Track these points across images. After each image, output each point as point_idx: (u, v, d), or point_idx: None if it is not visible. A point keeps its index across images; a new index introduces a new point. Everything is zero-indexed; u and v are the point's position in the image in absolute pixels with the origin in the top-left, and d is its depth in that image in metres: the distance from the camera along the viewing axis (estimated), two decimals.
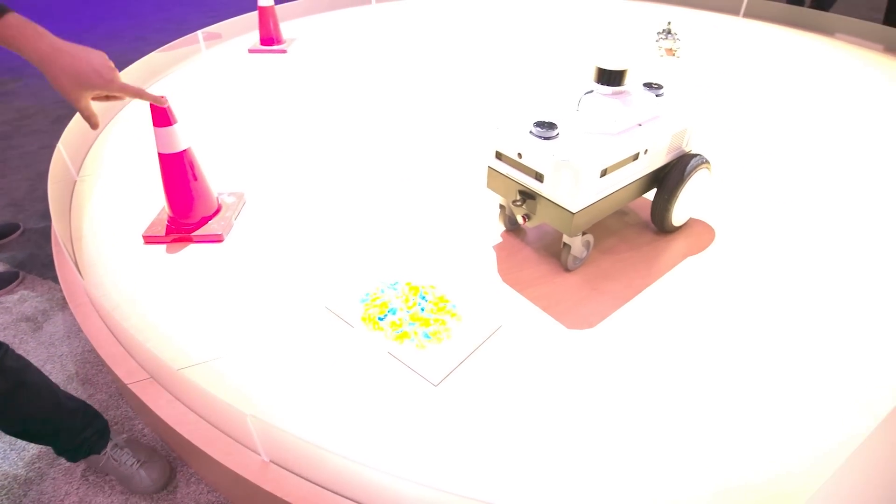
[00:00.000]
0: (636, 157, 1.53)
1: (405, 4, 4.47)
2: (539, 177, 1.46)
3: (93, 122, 0.94)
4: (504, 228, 1.82)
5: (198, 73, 3.15)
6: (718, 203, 1.98)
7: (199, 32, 3.46)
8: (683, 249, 1.75)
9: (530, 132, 1.47)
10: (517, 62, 3.34)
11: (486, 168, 1.63)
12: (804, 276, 1.64)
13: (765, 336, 1.44)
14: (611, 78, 1.49)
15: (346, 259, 1.71)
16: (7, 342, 1.50)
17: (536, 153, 1.43)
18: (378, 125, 2.58)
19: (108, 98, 1.00)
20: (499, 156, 1.56)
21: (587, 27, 4.01)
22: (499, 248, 1.75)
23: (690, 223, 1.86)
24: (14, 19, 0.82)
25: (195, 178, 1.78)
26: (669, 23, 3.50)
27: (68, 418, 1.20)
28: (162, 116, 1.64)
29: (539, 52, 3.50)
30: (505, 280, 1.62)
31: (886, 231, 1.85)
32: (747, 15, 4.21)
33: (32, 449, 1.40)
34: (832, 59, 3.43)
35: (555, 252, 1.72)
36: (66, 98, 0.90)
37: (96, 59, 0.90)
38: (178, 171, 1.73)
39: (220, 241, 1.81)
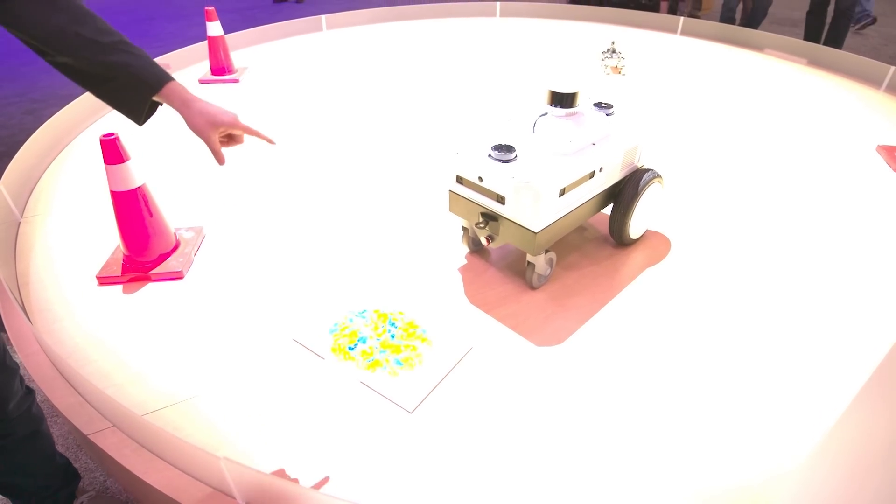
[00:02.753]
0: (592, 175, 1.59)
1: (356, 31, 4.51)
2: (500, 199, 1.49)
3: (220, 159, 1.13)
4: (468, 250, 1.84)
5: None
6: (671, 214, 2.06)
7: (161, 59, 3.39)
8: (642, 261, 1.81)
9: (489, 155, 1.50)
10: (468, 85, 3.41)
11: (448, 192, 1.65)
12: (757, 279, 1.73)
13: (727, 340, 1.50)
14: (563, 100, 1.55)
15: (311, 290, 1.70)
16: None
17: (496, 176, 1.47)
18: (335, 153, 2.57)
19: (230, 139, 1.20)
20: (459, 180, 1.58)
21: (535, 48, 4.13)
22: (464, 270, 1.77)
23: (647, 235, 1.93)
24: (175, 84, 1.04)
25: (151, 215, 1.73)
26: (613, 42, 3.65)
27: (53, 475, 1.19)
28: (113, 153, 1.60)
29: (490, 74, 3.58)
30: (472, 301, 1.64)
31: (827, 227, 1.97)
32: (684, 33, 4.43)
33: None
34: (763, 72, 3.65)
35: (519, 271, 1.76)
36: (201, 136, 1.08)
37: (220, 107, 1.10)
38: (132, 209, 1.69)
39: (180, 278, 1.76)
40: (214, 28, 3.35)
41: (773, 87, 3.41)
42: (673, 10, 5.90)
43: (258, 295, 1.68)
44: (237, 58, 3.73)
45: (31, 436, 1.13)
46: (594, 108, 1.75)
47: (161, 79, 0.99)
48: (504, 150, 1.48)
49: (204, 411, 1.31)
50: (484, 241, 1.63)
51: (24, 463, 1.14)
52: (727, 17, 4.90)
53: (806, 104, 3.14)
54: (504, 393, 1.35)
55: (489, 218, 1.56)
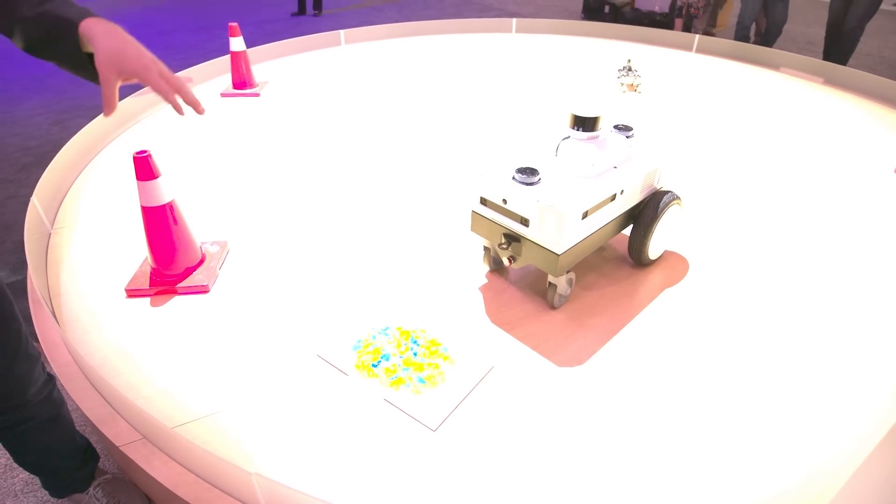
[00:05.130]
0: (613, 197, 1.61)
1: (374, 45, 4.58)
2: (524, 221, 1.52)
3: (107, 108, 0.92)
4: (488, 269, 1.86)
5: (171, 119, 3.14)
6: (689, 235, 2.07)
7: (182, 74, 3.46)
8: (661, 281, 1.82)
9: (513, 178, 1.53)
10: (485, 101, 3.45)
11: (470, 212, 1.68)
12: (776, 299, 1.74)
13: (748, 359, 1.51)
14: (585, 124, 1.58)
15: (335, 305, 1.73)
16: None
17: (521, 199, 1.49)
18: (356, 168, 2.62)
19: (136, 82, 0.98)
20: (483, 201, 1.61)
21: (550, 64, 4.17)
22: (484, 289, 1.79)
23: (665, 255, 1.95)
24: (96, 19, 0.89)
25: (178, 230, 1.77)
26: (629, 60, 3.68)
27: (73, 455, 1.24)
28: (145, 170, 1.65)
29: (506, 90, 3.62)
30: (493, 320, 1.66)
31: (845, 248, 1.97)
32: (699, 50, 4.46)
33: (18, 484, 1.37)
34: (779, 91, 3.66)
35: (538, 290, 1.78)
36: (100, 73, 0.89)
37: (142, 48, 0.91)
38: (161, 224, 1.73)
39: (205, 291, 1.80)
40: (237, 43, 3.42)
41: (789, 106, 3.42)
42: (687, 27, 5.93)
43: (282, 310, 1.72)
44: (258, 71, 3.80)
45: (53, 419, 1.19)
46: (614, 130, 1.77)
47: (79, 14, 0.87)
48: (528, 173, 1.51)
49: (228, 426, 1.34)
50: (506, 262, 1.66)
51: (47, 444, 1.21)
52: (742, 35, 4.92)
53: (823, 124, 3.15)
54: (526, 412, 1.36)
55: (512, 239, 1.59)
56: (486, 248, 1.81)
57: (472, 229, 1.71)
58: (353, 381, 1.44)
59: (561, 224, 1.45)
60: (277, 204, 2.30)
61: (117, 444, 1.30)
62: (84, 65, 0.91)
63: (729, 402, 1.40)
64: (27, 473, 1.44)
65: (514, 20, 4.93)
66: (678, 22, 5.96)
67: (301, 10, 7.16)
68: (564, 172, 1.55)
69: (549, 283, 1.64)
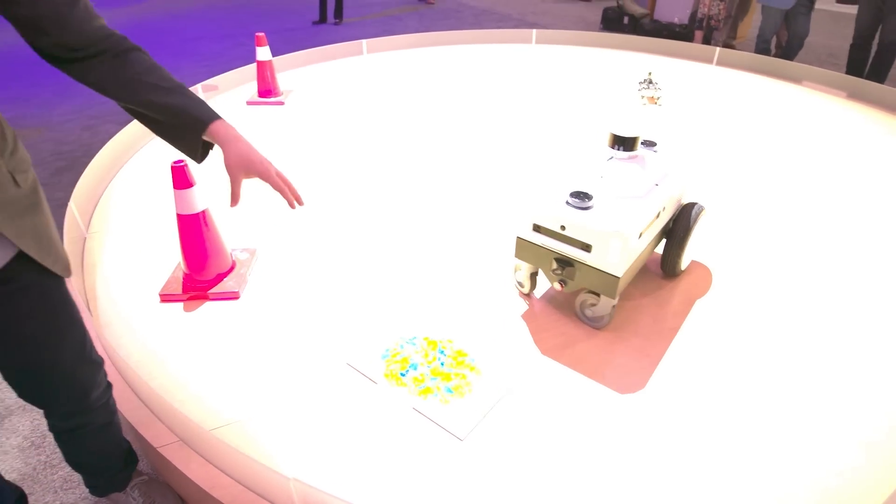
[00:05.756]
0: (658, 215, 1.64)
1: (395, 55, 4.64)
2: (586, 247, 1.53)
3: (234, 201, 1.11)
4: (522, 289, 1.85)
5: None
6: (711, 244, 2.08)
7: (199, 85, 3.54)
8: (691, 291, 1.85)
9: (568, 203, 1.54)
10: (506, 111, 3.48)
11: (515, 239, 1.69)
12: (801, 305, 1.74)
13: (781, 366, 1.52)
14: (626, 143, 1.60)
15: (363, 314, 1.76)
16: (18, 404, 1.57)
17: (580, 225, 1.51)
18: (383, 177, 2.66)
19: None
20: (537, 228, 1.61)
21: (570, 75, 4.20)
22: (512, 301, 1.82)
23: (689, 265, 1.97)
24: (223, 122, 1.07)
25: (211, 237, 1.82)
26: (650, 73, 3.70)
27: (118, 457, 1.30)
28: (182, 179, 1.70)
29: (527, 100, 3.65)
30: (520, 332, 1.68)
31: (869, 257, 1.97)
32: (720, 63, 4.46)
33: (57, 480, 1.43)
34: (801, 105, 3.65)
35: (563, 304, 1.80)
36: (229, 174, 1.08)
37: (261, 155, 1.10)
38: (195, 231, 1.78)
39: (236, 297, 1.84)
40: (264, 53, 3.50)
41: (811, 120, 3.41)
42: (707, 39, 5.92)
43: (311, 317, 1.75)
44: (282, 80, 3.87)
45: (108, 424, 1.24)
46: (642, 146, 1.79)
47: (210, 116, 1.06)
48: (582, 198, 1.53)
49: (260, 431, 1.37)
50: (557, 286, 1.67)
51: (99, 447, 1.26)
52: (762, 48, 4.91)
53: (846, 139, 3.14)
54: (553, 424, 1.38)
55: (564, 264, 1.59)
56: (530, 274, 1.80)
57: (518, 255, 1.71)
58: (382, 390, 1.47)
59: (622, 247, 1.47)
60: (305, 212, 2.35)
61: (155, 446, 1.34)
62: (194, 149, 1.08)
63: (770, 409, 1.40)
64: (66, 470, 1.49)
65: (535, 31, 4.97)
66: (698, 34, 5.95)
67: (322, 19, 7.26)
68: (613, 194, 1.57)
69: (612, 306, 1.63)
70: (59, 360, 1.05)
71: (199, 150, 1.10)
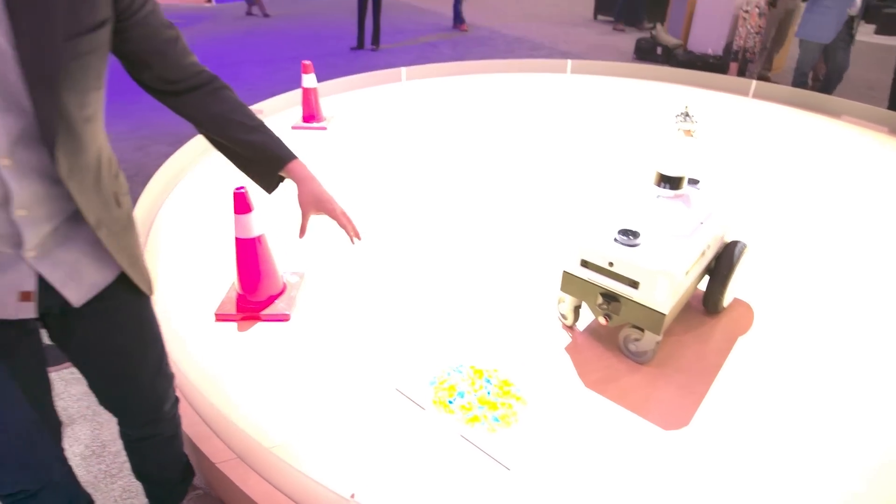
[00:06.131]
0: (703, 253, 1.66)
1: (433, 82, 4.76)
2: (633, 284, 1.57)
3: (302, 233, 1.24)
4: (565, 321, 1.89)
5: None
6: (751, 281, 2.09)
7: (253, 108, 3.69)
8: (732, 328, 1.85)
9: (615, 240, 1.58)
10: (548, 142, 3.54)
11: (562, 273, 1.73)
12: (844, 342, 1.73)
13: (829, 407, 1.51)
14: (673, 182, 1.64)
15: (410, 340, 1.81)
16: (79, 413, 1.63)
17: (628, 262, 1.55)
18: (426, 203, 2.73)
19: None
20: (584, 264, 1.65)
21: (604, 105, 4.25)
22: (554, 331, 1.85)
23: (732, 302, 1.97)
24: (298, 162, 1.17)
25: (265, 260, 1.90)
26: (687, 106, 3.73)
27: (179, 470, 1.36)
28: (242, 205, 1.79)
29: (568, 132, 3.71)
30: (564, 364, 1.71)
31: None
32: (756, 96, 4.46)
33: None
34: (840, 140, 3.63)
35: (605, 336, 1.82)
36: (302, 209, 1.21)
37: (328, 194, 1.22)
38: (251, 254, 1.86)
39: (286, 319, 1.91)
40: (309, 80, 3.63)
41: (851, 155, 3.39)
42: (742, 71, 5.93)
43: (359, 340, 1.81)
44: (324, 105, 4.00)
45: (174, 436, 1.31)
46: (688, 185, 1.82)
47: (289, 156, 1.16)
48: (630, 235, 1.57)
49: (310, 452, 1.42)
50: (602, 321, 1.70)
51: (163, 459, 1.32)
52: (800, 81, 4.90)
53: (887, 175, 3.11)
54: (598, 457, 1.40)
55: (610, 299, 1.63)
56: (574, 307, 1.83)
57: (563, 289, 1.75)
58: (430, 416, 1.51)
59: (669, 285, 1.50)
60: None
61: (214, 462, 1.40)
62: (270, 183, 1.18)
63: (812, 457, 1.40)
64: (125, 481, 1.55)
65: (570, 62, 5.05)
66: (733, 65, 5.97)
67: (360, 45, 7.48)
68: (661, 232, 1.60)
69: (656, 342, 1.66)
70: (142, 372, 1.12)
71: (275, 185, 1.19)
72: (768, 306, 1.96)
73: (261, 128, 1.11)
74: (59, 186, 0.82)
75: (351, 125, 3.77)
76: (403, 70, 4.73)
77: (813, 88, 4.77)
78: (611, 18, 9.41)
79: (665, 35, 6.87)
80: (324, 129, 3.68)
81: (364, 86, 4.57)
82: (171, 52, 0.97)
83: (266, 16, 9.94)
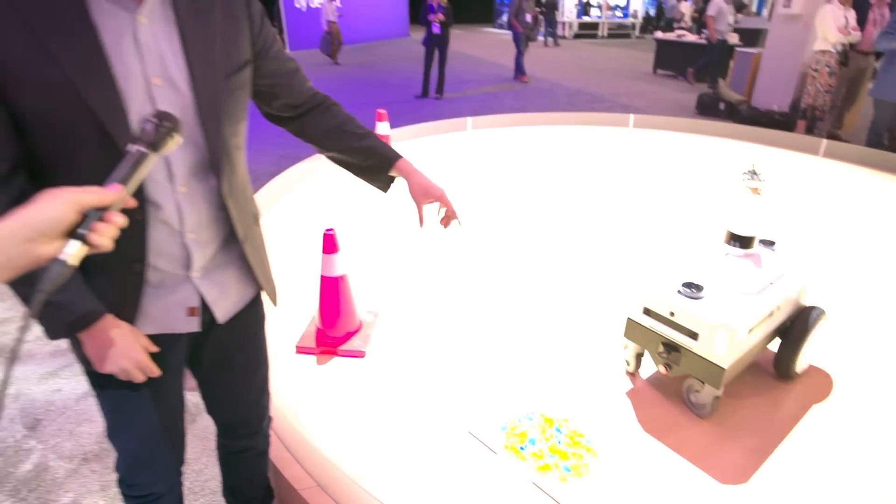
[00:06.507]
0: (771, 314, 1.66)
1: (497, 132, 4.93)
2: (693, 335, 1.59)
3: (421, 222, 1.23)
4: (628, 368, 1.91)
5: (323, 190, 3.56)
6: (832, 349, 2.03)
7: (313, 157, 3.94)
8: (806, 396, 1.81)
9: (679, 292, 1.62)
10: (612, 194, 3.59)
11: (626, 319, 1.77)
12: None
13: None
14: (743, 241, 1.66)
15: (481, 382, 1.86)
16: None
17: (689, 313, 1.58)
18: (494, 251, 2.81)
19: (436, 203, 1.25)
20: (647, 312, 1.70)
21: (672, 163, 4.27)
22: (624, 386, 1.86)
23: (808, 370, 1.93)
24: (404, 160, 1.20)
25: (346, 298, 2.01)
26: (754, 164, 3.71)
27: (263, 488, 1.43)
28: (330, 245, 1.92)
29: (631, 186, 3.75)
30: (627, 410, 1.71)
31: None
32: (827, 155, 4.39)
33: None
34: None
35: (673, 391, 1.81)
36: (415, 201, 1.20)
37: (434, 183, 1.22)
38: (334, 292, 1.98)
39: (361, 356, 2.00)
40: (383, 127, 3.85)
41: None
42: (810, 129, 5.84)
43: (432, 380, 1.87)
44: None
45: (263, 453, 1.38)
46: (760, 244, 1.84)
47: (395, 156, 1.20)
48: (694, 289, 1.60)
49: (384, 486, 1.47)
50: (662, 369, 1.72)
51: (252, 474, 1.39)
52: (875, 142, 4.78)
53: None
54: None
55: (671, 348, 1.65)
56: (637, 355, 1.86)
57: (626, 335, 1.79)
58: (502, 460, 1.54)
59: (730, 340, 1.52)
60: (423, 279, 2.52)
61: (296, 487, 1.47)
62: (384, 183, 1.22)
63: None
64: (207, 499, 1.64)
65: (632, 116, 5.13)
66: (800, 123, 5.89)
67: (424, 93, 7.85)
68: (727, 288, 1.63)
69: (714, 396, 1.66)
70: (253, 387, 1.22)
71: (388, 185, 1.23)
72: (847, 375, 1.91)
73: (369, 135, 1.18)
74: (218, 211, 0.93)
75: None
76: (469, 120, 4.93)
77: (889, 149, 4.64)
78: (671, 72, 9.49)
79: (728, 90, 6.87)
80: None
81: (432, 133, 4.78)
82: (295, 81, 1.08)
83: (336, 63, 10.59)
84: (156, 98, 0.81)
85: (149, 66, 0.80)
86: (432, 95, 7.71)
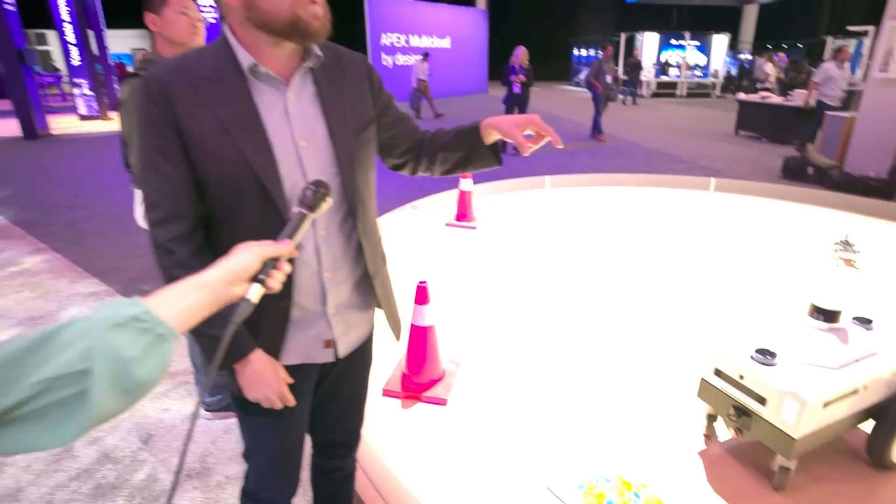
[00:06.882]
0: (855, 391, 1.63)
1: (574, 191, 5.03)
2: (761, 400, 1.60)
3: (524, 150, 1.11)
4: (707, 434, 1.91)
5: (404, 240, 3.78)
6: None
7: (408, 205, 4.19)
8: None
9: (752, 357, 1.64)
10: (690, 258, 3.58)
11: (700, 380, 1.80)
12: None
13: None
14: (828, 315, 1.66)
15: (559, 438, 1.91)
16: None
17: (759, 378, 1.60)
18: (570, 306, 2.88)
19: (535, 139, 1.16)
20: (718, 373, 1.73)
21: (755, 230, 4.19)
22: (703, 453, 1.85)
23: None
24: (484, 121, 1.16)
25: (432, 347, 2.15)
26: (848, 234, 3.59)
27: None
28: (422, 296, 2.07)
29: (710, 251, 3.72)
30: (714, 488, 1.70)
31: None
32: None
33: None
34: None
35: (757, 464, 1.78)
36: (510, 136, 1.10)
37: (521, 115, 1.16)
38: (422, 341, 2.12)
39: (443, 404, 2.11)
40: (467, 183, 4.06)
41: None
42: None
43: (511, 432, 1.94)
44: (474, 206, 4.40)
45: (351, 475, 1.48)
46: (854, 322, 1.81)
47: (477, 122, 1.16)
48: (767, 355, 1.62)
49: None
50: (732, 434, 1.72)
51: (341, 494, 1.48)
52: None
53: None
54: None
55: (742, 413, 1.67)
56: (709, 416, 1.89)
57: (699, 396, 1.82)
58: None
59: (801, 410, 1.51)
60: (505, 332, 2.62)
61: None
62: (489, 155, 1.20)
63: None
64: None
65: (713, 179, 5.09)
66: None
67: (502, 149, 8.14)
68: (805, 360, 1.63)
69: (780, 466, 1.65)
70: (355, 417, 1.35)
71: (495, 155, 1.20)
72: None
73: (455, 128, 1.22)
74: (351, 251, 1.08)
75: (499, 226, 4.09)
76: (547, 178, 5.07)
77: None
78: (754, 134, 9.29)
79: (817, 154, 6.63)
80: (473, 228, 4.05)
81: (511, 190, 4.96)
82: (409, 127, 1.21)
83: (438, 115, 11.23)
84: (302, 157, 0.98)
85: (296, 131, 0.98)
86: (510, 151, 7.96)
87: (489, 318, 2.77)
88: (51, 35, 19.44)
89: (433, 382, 2.18)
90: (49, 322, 2.97)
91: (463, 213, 4.11)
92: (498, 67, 7.89)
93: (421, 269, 3.28)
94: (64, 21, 11.64)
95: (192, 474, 1.95)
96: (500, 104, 7.59)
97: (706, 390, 1.79)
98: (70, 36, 11.71)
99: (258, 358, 1.02)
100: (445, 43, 16.65)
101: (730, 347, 1.71)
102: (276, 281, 0.76)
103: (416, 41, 15.62)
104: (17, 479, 1.92)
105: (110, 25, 13.86)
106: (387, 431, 1.96)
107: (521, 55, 7.49)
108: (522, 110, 7.69)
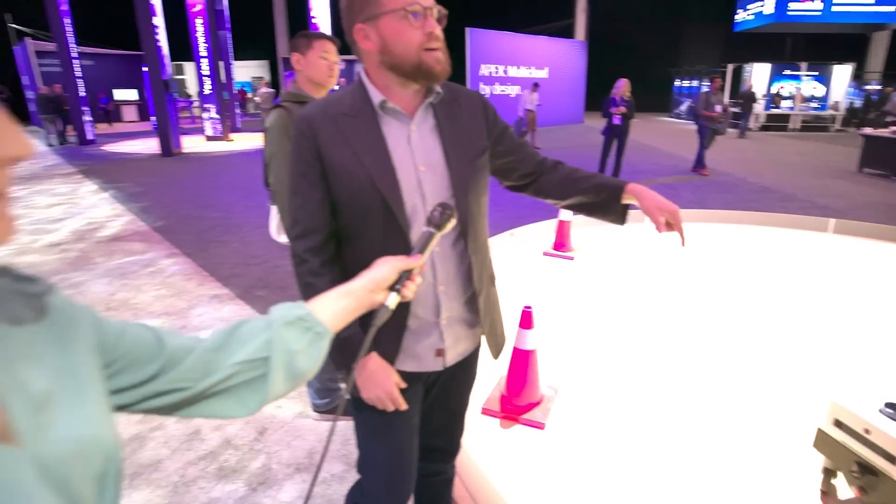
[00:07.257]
0: None
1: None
2: (891, 459, 1.51)
3: (660, 229, 1.18)
4: (824, 490, 1.80)
5: (503, 266, 3.86)
6: None
7: (507, 233, 4.28)
8: None
9: (881, 411, 1.56)
10: (808, 304, 3.37)
11: (816, 429, 1.72)
12: None
13: None
14: None
15: (654, 472, 1.88)
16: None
17: (891, 435, 1.51)
18: (677, 342, 2.82)
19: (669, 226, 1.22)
20: (838, 424, 1.65)
21: (869, 272, 3.87)
22: (814, 498, 1.76)
23: None
24: (632, 184, 1.23)
25: (532, 371, 2.20)
26: None
27: None
28: (527, 321, 2.14)
29: (829, 297, 3.48)
30: None
31: None
32: None
33: None
34: None
35: None
36: (649, 215, 1.17)
37: (665, 199, 1.21)
38: (522, 364, 2.18)
39: (541, 427, 2.15)
40: (566, 214, 4.10)
41: None
42: None
43: (608, 461, 1.95)
44: (572, 236, 4.42)
45: (450, 480, 1.54)
46: None
47: (623, 183, 1.22)
48: None
49: None
50: (854, 492, 1.63)
51: (439, 498, 1.54)
52: None
53: None
54: None
55: (867, 471, 1.57)
56: (826, 470, 1.79)
57: (815, 446, 1.73)
58: None
59: None
60: (605, 360, 2.62)
61: None
62: (620, 215, 1.26)
63: None
64: None
65: (832, 221, 4.76)
66: None
67: None
68: None
69: None
70: (458, 425, 1.43)
71: (623, 216, 1.26)
72: None
73: (596, 175, 1.29)
74: (463, 269, 1.16)
75: (596, 257, 4.08)
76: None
77: None
78: (881, 171, 8.53)
79: None
80: (571, 258, 4.06)
81: (597, 223, 4.91)
82: (526, 154, 1.29)
83: (537, 149, 11.31)
84: (422, 180, 1.09)
85: (417, 157, 1.10)
86: None
87: (587, 347, 2.77)
88: (187, 66, 21.80)
89: (531, 406, 2.23)
90: (182, 318, 3.35)
91: (561, 243, 4.14)
92: (595, 98, 7.87)
93: (519, 295, 3.35)
94: (202, 56, 13.17)
95: (301, 468, 2.12)
96: (597, 134, 7.55)
97: (824, 442, 1.70)
98: (205, 68, 13.23)
99: (374, 360, 1.13)
100: (543, 73, 16.79)
101: (852, 398, 1.62)
102: (409, 290, 0.86)
103: (513, 71, 15.90)
104: (157, 452, 2.19)
105: (235, 57, 15.39)
106: (485, 446, 2.03)
107: (622, 87, 7.44)
108: (622, 141, 7.61)
